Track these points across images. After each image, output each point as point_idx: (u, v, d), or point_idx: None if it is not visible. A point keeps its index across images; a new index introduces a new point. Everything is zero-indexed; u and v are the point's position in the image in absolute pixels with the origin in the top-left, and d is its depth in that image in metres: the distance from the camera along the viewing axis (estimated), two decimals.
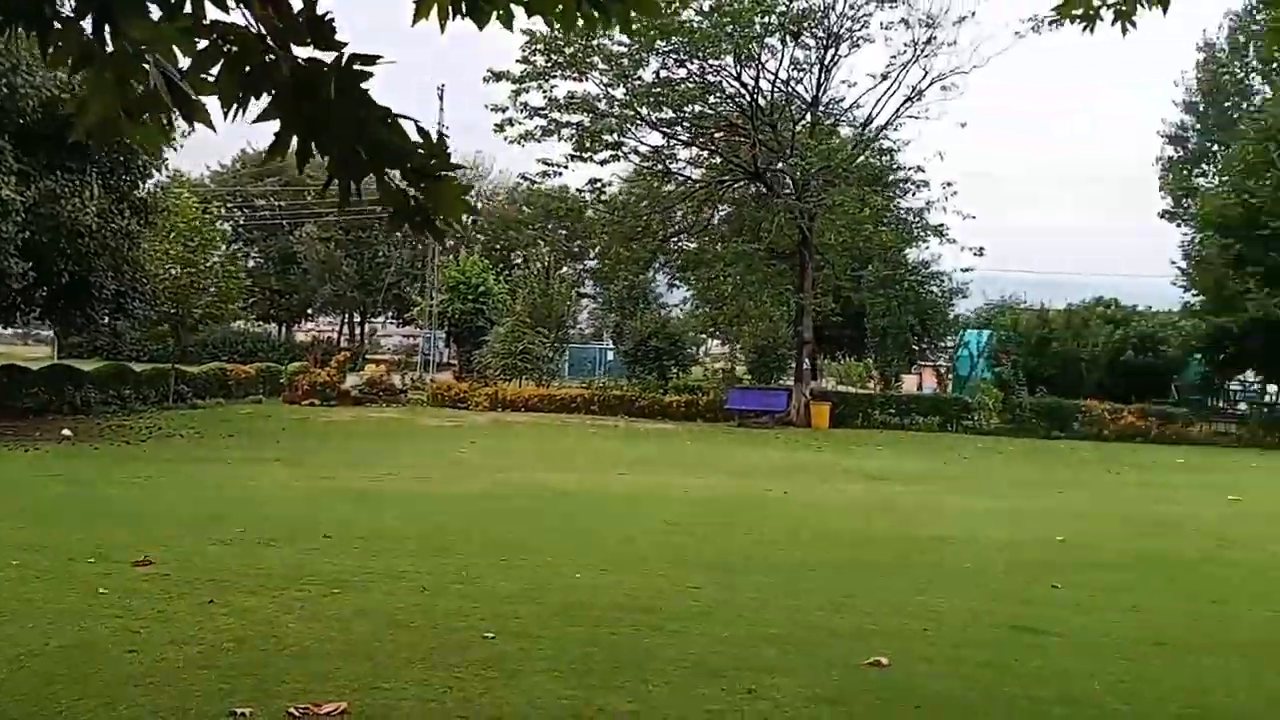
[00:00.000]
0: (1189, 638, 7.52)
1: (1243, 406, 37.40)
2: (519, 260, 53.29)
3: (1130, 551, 11.39)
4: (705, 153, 34.75)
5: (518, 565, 9.22)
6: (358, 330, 67.57)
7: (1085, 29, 4.15)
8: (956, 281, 40.25)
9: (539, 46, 28.94)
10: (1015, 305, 40.70)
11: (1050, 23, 4.28)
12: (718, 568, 9.55)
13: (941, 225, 32.99)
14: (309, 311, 66.97)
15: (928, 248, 36.53)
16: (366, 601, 7.57)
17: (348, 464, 17.88)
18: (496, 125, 31.17)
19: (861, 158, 32.38)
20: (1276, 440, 30.15)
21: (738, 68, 30.58)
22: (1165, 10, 3.98)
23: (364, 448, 21.41)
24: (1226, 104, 46.82)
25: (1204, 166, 47.48)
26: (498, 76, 30.28)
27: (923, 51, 30.28)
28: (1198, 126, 48.36)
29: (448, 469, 17.85)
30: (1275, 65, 42.31)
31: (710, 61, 30.15)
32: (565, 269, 50.25)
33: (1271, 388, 37.72)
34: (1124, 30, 4.18)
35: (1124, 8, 4.09)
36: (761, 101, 31.82)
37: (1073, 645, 7.16)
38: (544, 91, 30.62)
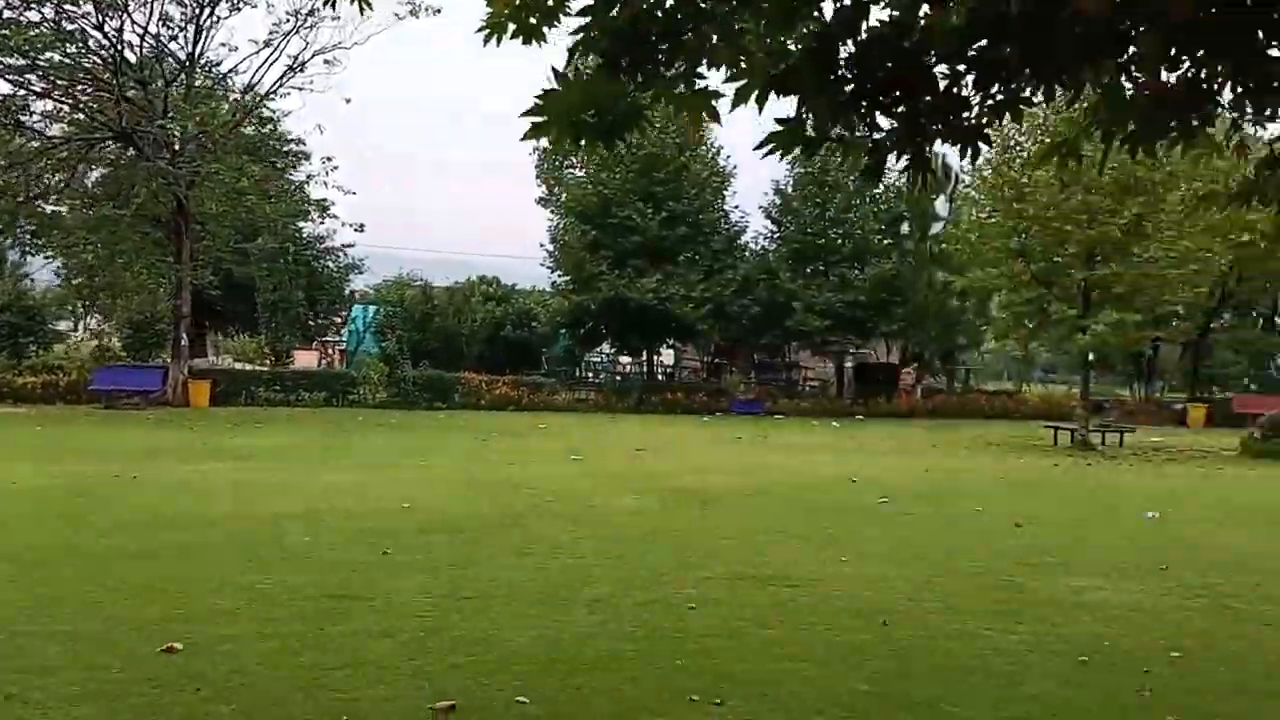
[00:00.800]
0: (491, 591, 8.18)
1: (602, 377, 42.08)
2: None
3: (466, 514, 12.18)
4: (66, 107, 31.32)
5: None
6: None
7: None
8: (353, 257, 40.50)
9: None
10: (409, 282, 41.92)
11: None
12: (18, 563, 8.70)
13: (325, 200, 32.94)
14: None
15: (323, 223, 36.20)
16: None
17: None
18: None
19: (242, 126, 31.19)
20: (624, 405, 34.31)
21: (99, 16, 27.91)
22: None
23: None
24: None
25: (572, 159, 52.19)
26: None
27: (304, 22, 29.90)
28: None
29: None
30: None
31: (66, 6, 27.16)
32: None
33: (624, 359, 42.82)
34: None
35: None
36: (131, 56, 29.40)
37: (381, 608, 7.48)
38: None
